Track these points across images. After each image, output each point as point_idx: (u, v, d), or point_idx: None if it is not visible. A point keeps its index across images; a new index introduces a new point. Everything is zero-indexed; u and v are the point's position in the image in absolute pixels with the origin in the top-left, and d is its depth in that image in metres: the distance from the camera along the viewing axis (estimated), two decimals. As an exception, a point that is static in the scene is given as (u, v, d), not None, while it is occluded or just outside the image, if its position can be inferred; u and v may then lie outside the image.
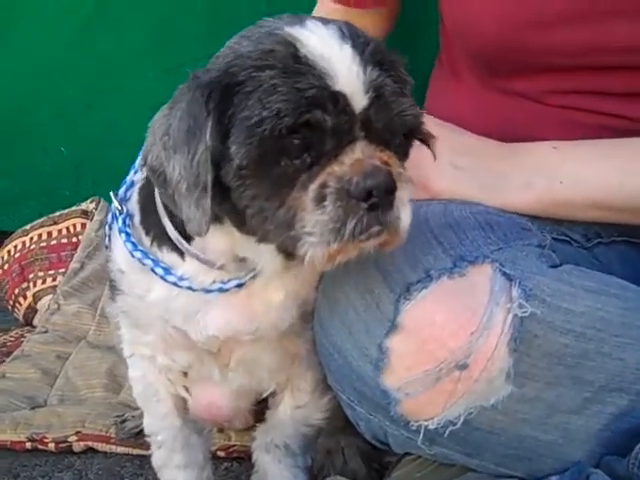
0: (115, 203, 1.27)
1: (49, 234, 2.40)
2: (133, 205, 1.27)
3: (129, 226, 1.25)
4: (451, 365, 1.13)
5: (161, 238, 1.22)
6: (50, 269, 2.35)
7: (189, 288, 1.22)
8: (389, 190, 1.01)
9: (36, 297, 2.32)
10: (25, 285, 2.34)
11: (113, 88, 2.69)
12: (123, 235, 1.23)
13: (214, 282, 1.22)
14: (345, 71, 1.02)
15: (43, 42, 2.65)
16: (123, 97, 2.70)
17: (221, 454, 1.68)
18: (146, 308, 1.27)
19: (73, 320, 2.22)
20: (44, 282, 2.33)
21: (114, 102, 2.71)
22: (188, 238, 1.19)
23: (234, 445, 1.69)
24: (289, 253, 1.06)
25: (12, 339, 2.25)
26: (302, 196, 1.01)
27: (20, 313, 2.37)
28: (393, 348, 1.15)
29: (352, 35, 1.06)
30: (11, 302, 2.37)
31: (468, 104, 1.59)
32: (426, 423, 1.17)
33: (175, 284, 1.22)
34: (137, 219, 1.26)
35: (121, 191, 1.28)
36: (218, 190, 1.04)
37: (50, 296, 2.30)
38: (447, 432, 1.17)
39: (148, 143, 1.09)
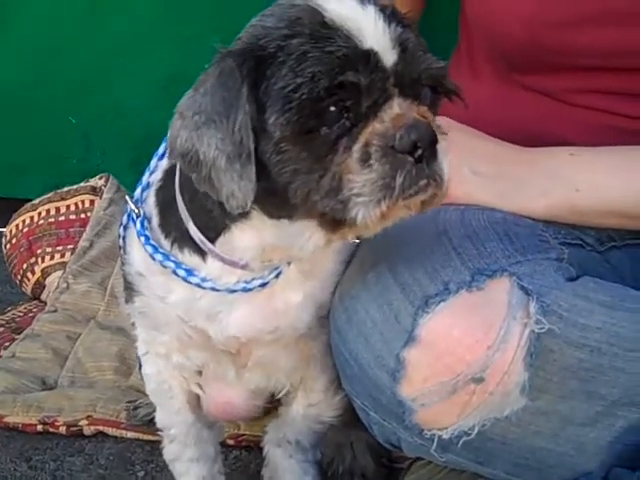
0: (131, 206, 1.25)
1: (57, 210, 2.40)
2: (150, 207, 1.25)
3: (147, 229, 1.23)
4: (467, 378, 1.13)
5: (182, 240, 1.21)
6: (58, 245, 2.36)
7: (213, 289, 1.21)
8: (432, 141, 1.01)
9: (44, 273, 2.33)
10: (33, 260, 2.35)
11: (123, 59, 2.70)
12: (142, 238, 1.22)
13: (238, 282, 1.21)
14: (371, 30, 1.02)
15: (54, 13, 2.65)
16: (133, 67, 2.70)
17: (230, 442, 1.70)
18: (165, 309, 1.27)
19: (82, 299, 2.23)
20: (52, 258, 2.34)
21: (123, 73, 2.72)
22: (211, 238, 1.18)
23: (243, 434, 1.72)
24: (334, 223, 1.04)
25: (21, 314, 2.27)
26: (346, 159, 1.00)
27: (28, 288, 2.38)
28: (410, 359, 1.16)
29: None
30: (19, 277, 2.38)
31: (486, 96, 1.57)
32: (440, 432, 1.18)
33: (198, 285, 1.21)
34: (155, 221, 1.24)
35: (137, 192, 1.27)
36: None
37: (59, 272, 2.31)
38: (461, 442, 1.18)
39: (174, 128, 1.05)
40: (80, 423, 1.76)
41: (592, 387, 1.17)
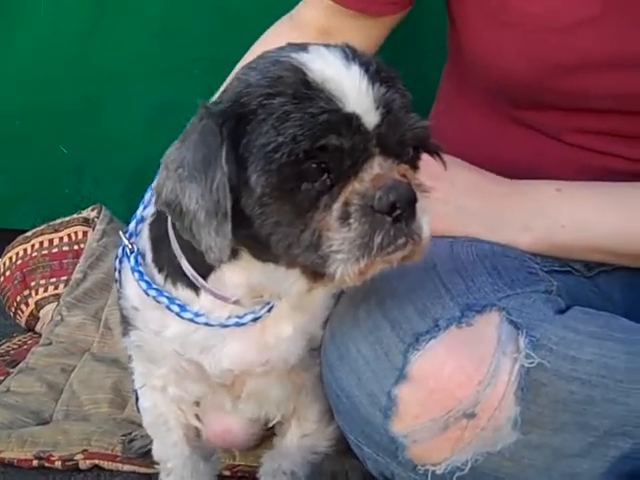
0: (125, 241, 1.27)
1: (50, 242, 2.40)
2: (144, 241, 1.27)
3: (141, 264, 1.25)
4: (459, 414, 1.14)
5: (175, 275, 1.23)
6: (52, 277, 2.36)
7: (206, 324, 1.23)
8: (411, 201, 1.03)
9: (38, 305, 2.33)
10: (27, 292, 2.34)
11: (113, 89, 2.69)
12: (136, 274, 1.24)
13: (230, 317, 1.23)
14: (354, 91, 1.03)
15: (43, 44, 2.65)
16: (123, 98, 2.70)
17: (226, 473, 1.70)
18: (161, 343, 1.29)
19: (77, 332, 2.22)
20: (46, 290, 2.34)
21: (115, 103, 2.71)
22: (203, 274, 1.20)
23: (239, 465, 1.71)
24: (315, 274, 1.07)
25: (15, 346, 2.26)
26: (326, 217, 1.03)
27: (22, 320, 2.37)
28: (402, 397, 1.16)
29: (355, 55, 1.07)
30: (13, 309, 2.38)
31: (476, 124, 1.58)
32: (433, 468, 1.19)
33: (192, 320, 1.23)
34: (149, 256, 1.26)
35: (131, 226, 1.29)
36: (235, 220, 1.05)
37: (53, 305, 2.31)
38: (454, 477, 1.18)
39: (161, 178, 1.09)
40: (76, 457, 1.75)
41: (584, 419, 1.18)
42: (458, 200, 1.34)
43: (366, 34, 1.62)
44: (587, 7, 1.35)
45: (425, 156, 1.19)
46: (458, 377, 1.14)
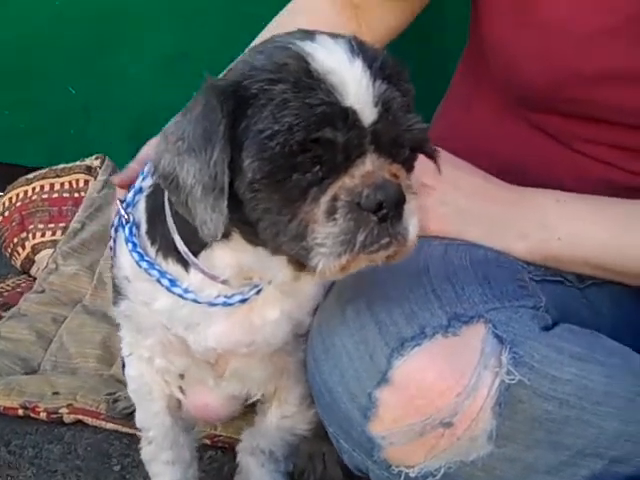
0: (121, 211, 1.27)
1: (51, 186, 2.41)
2: (140, 213, 1.27)
3: (135, 235, 1.26)
4: (436, 422, 1.16)
5: (167, 249, 1.23)
6: (50, 222, 2.37)
7: (194, 301, 1.24)
8: (399, 202, 1.03)
9: (35, 249, 2.35)
10: (24, 235, 2.36)
11: (126, 32, 2.68)
12: (130, 245, 1.25)
13: (218, 296, 1.24)
14: (355, 86, 1.03)
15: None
16: (136, 42, 2.68)
17: (207, 442, 1.73)
18: (149, 315, 1.30)
19: (70, 282, 2.25)
20: (43, 235, 2.36)
21: (127, 46, 2.70)
22: (195, 251, 1.20)
23: (220, 435, 1.75)
24: (300, 263, 1.07)
25: (9, 288, 2.28)
26: (314, 209, 1.03)
27: (17, 262, 2.40)
28: (382, 399, 1.17)
29: (361, 49, 1.07)
30: (9, 250, 2.40)
31: (487, 121, 1.57)
32: (407, 470, 1.20)
33: (180, 296, 1.24)
34: (143, 228, 1.27)
35: (129, 195, 1.29)
36: (228, 200, 1.05)
37: (49, 250, 2.32)
38: (426, 481, 1.21)
39: (159, 150, 1.09)
40: (60, 411, 1.79)
41: (558, 437, 1.19)
42: (459, 202, 1.34)
43: (395, 11, 1.61)
44: (609, 17, 1.34)
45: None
46: (439, 386, 1.15)
